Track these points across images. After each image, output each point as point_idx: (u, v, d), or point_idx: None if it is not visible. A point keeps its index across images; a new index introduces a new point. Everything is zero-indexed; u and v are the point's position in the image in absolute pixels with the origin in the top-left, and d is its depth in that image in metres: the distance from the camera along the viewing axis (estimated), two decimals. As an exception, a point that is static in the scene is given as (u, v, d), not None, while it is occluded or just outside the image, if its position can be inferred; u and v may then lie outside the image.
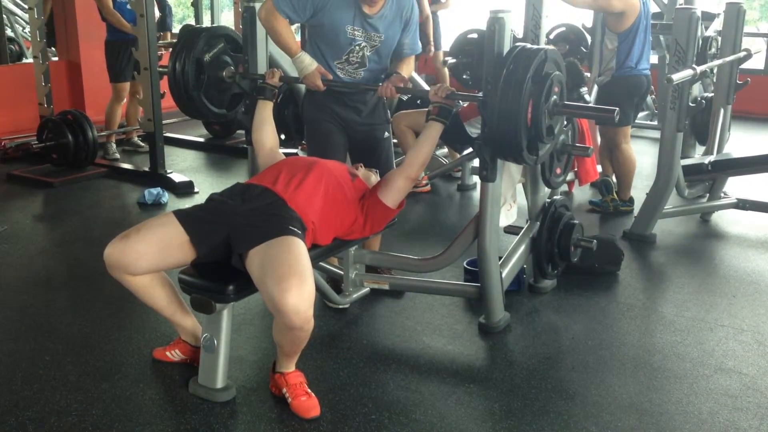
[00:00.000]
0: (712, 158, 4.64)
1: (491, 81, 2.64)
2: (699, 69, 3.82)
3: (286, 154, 5.03)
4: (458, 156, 5.17)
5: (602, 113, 2.79)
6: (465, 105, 4.76)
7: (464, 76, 5.69)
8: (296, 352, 2.45)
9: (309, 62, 3.06)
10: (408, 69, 3.22)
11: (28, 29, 7.62)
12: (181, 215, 2.50)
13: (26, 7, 6.06)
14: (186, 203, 4.77)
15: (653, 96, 7.03)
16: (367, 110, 3.22)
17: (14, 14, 8.79)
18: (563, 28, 6.13)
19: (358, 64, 3.10)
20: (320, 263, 3.01)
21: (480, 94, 2.75)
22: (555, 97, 2.64)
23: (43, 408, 2.44)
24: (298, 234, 2.41)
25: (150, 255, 2.42)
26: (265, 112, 3.12)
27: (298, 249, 2.33)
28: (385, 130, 3.30)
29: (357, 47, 3.05)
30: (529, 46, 2.69)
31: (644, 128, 7.00)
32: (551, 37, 5.89)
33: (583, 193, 5.16)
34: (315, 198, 2.61)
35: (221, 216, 2.50)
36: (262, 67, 3.44)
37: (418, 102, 5.30)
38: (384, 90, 3.02)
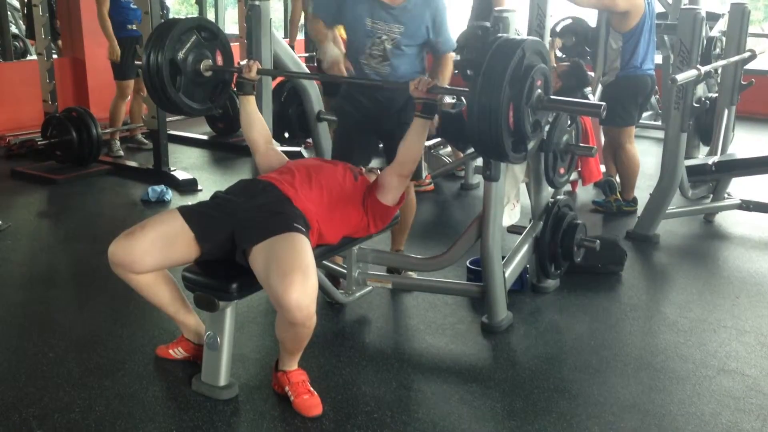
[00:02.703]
0: (716, 159, 4.63)
1: (470, 84, 2.48)
2: (703, 69, 3.81)
3: (290, 153, 5.01)
4: (461, 155, 5.17)
5: (589, 108, 2.65)
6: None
7: (468, 72, 5.62)
8: (299, 350, 2.46)
9: (331, 49, 3.17)
10: (446, 70, 3.21)
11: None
12: (185, 212, 2.51)
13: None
14: (189, 201, 4.78)
15: (657, 96, 7.02)
16: (396, 107, 3.20)
17: (18, 10, 8.80)
18: (569, 20, 6.08)
19: (381, 58, 3.10)
20: (323, 261, 3.02)
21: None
22: (539, 91, 2.45)
23: (46, 405, 2.45)
24: (303, 231, 2.41)
25: (154, 252, 2.42)
26: (248, 109, 2.97)
27: (302, 245, 2.34)
28: None
29: (377, 40, 3.06)
30: (509, 38, 2.47)
31: (648, 128, 6.98)
32: (558, 29, 5.83)
33: (586, 193, 5.15)
34: (320, 199, 2.62)
35: (226, 212, 2.51)
36: (267, 66, 3.42)
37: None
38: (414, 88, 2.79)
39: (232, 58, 3.22)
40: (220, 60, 3.18)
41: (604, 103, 2.47)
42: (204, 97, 3.21)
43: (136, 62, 5.37)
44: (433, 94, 2.68)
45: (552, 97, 2.48)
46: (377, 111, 3.22)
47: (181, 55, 3.01)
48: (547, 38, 3.50)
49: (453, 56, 3.27)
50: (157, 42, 2.98)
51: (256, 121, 2.98)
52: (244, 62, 3.00)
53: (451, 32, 3.22)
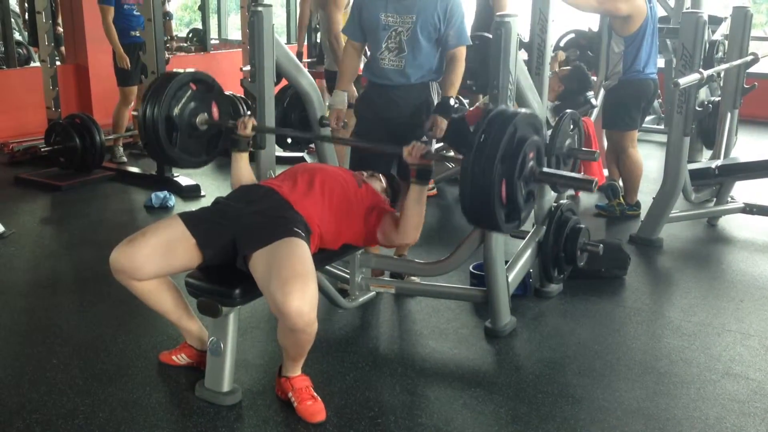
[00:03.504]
0: (719, 162, 4.63)
1: (462, 157, 2.37)
2: (706, 73, 3.81)
3: (293, 158, 5.02)
4: (464, 160, 5.16)
5: (581, 182, 2.62)
6: (471, 108, 4.76)
7: (468, 82, 5.64)
8: (301, 356, 2.45)
9: (340, 100, 3.38)
10: (456, 71, 3.21)
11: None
12: (186, 218, 2.51)
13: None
14: (192, 207, 4.76)
15: (660, 100, 7.02)
16: (408, 108, 3.24)
17: (19, 16, 8.82)
18: (573, 35, 6.10)
19: (397, 50, 3.17)
20: (326, 266, 3.02)
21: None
22: (531, 163, 2.38)
23: (50, 411, 2.45)
24: (303, 236, 2.41)
25: (156, 259, 2.42)
26: (240, 165, 2.88)
27: (302, 251, 2.34)
28: (424, 135, 3.26)
29: (393, 32, 3.15)
30: (502, 111, 2.36)
31: (651, 132, 6.98)
32: (561, 44, 5.86)
33: (589, 197, 5.15)
34: (321, 203, 2.62)
35: (227, 218, 2.51)
36: (270, 74, 3.40)
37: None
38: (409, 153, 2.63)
39: (229, 111, 3.27)
40: (215, 112, 3.19)
41: (596, 179, 2.40)
42: (200, 149, 3.19)
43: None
44: (427, 160, 2.56)
45: (544, 170, 2.41)
46: (391, 112, 3.25)
47: (176, 110, 3.01)
48: (549, 43, 3.51)
49: (464, 55, 3.25)
50: (154, 98, 2.97)
51: (246, 179, 2.90)
52: (248, 109, 3.00)
53: (466, 28, 3.24)
